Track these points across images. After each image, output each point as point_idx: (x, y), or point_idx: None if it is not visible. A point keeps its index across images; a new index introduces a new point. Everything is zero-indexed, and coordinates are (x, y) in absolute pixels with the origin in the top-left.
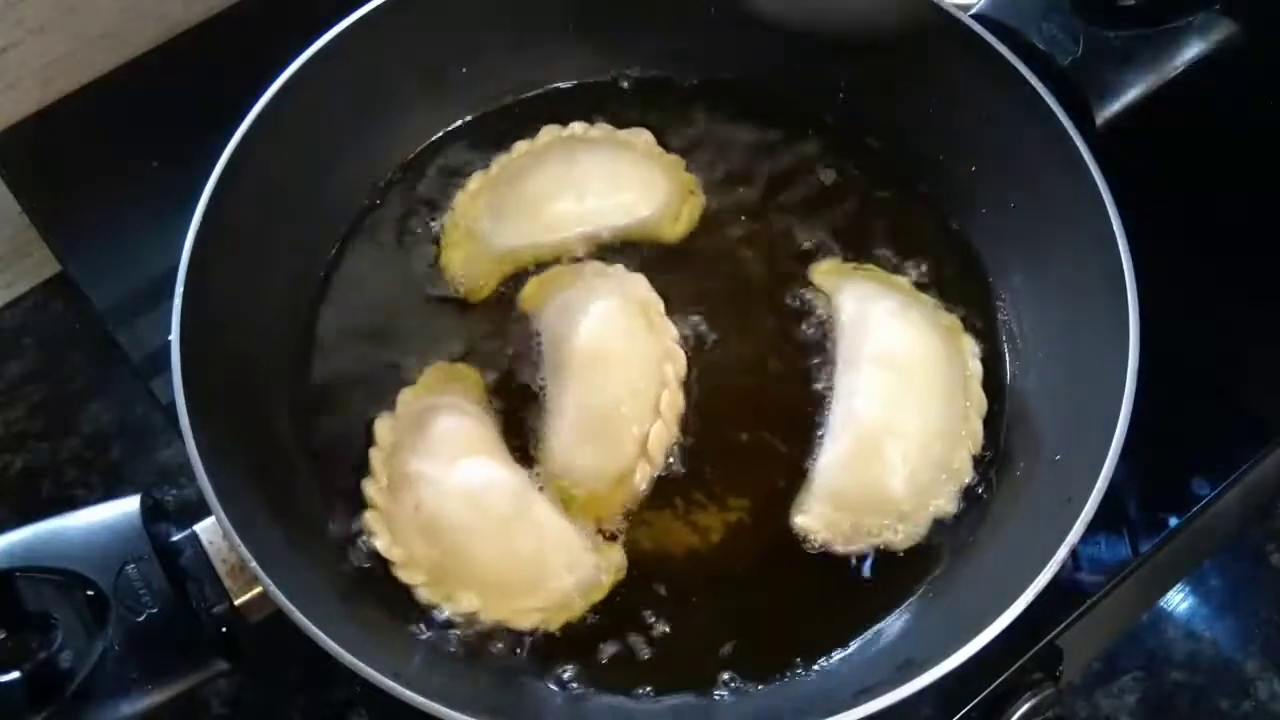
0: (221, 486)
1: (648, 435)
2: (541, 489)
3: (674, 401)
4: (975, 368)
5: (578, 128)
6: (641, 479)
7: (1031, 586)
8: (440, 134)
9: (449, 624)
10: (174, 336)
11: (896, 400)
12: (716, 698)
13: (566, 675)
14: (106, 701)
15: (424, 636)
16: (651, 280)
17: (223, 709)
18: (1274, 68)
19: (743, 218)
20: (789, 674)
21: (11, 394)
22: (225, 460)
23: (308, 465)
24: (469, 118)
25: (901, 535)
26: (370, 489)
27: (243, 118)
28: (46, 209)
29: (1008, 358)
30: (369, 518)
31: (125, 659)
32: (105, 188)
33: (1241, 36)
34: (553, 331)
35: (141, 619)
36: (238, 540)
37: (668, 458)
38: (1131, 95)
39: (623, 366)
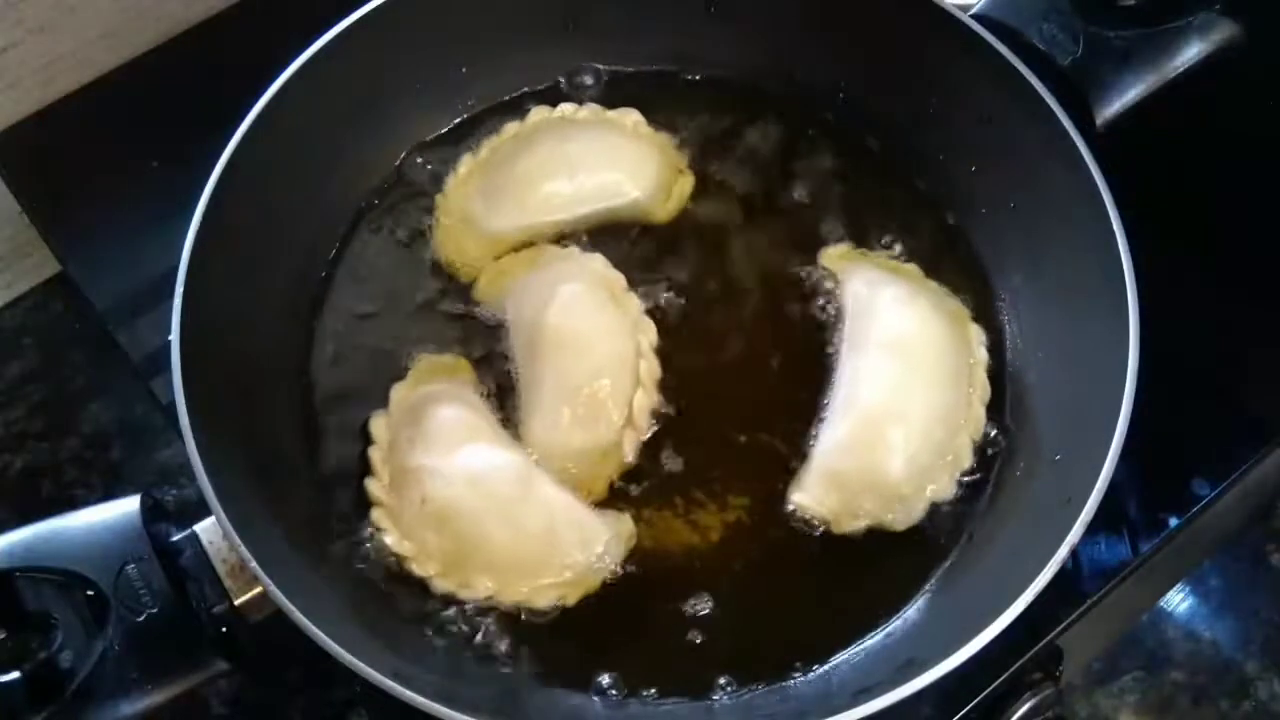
0: (221, 486)
1: (631, 404)
2: (539, 465)
3: (651, 368)
4: (981, 355)
5: (567, 108)
6: (629, 448)
7: (1031, 586)
8: (440, 133)
9: (448, 621)
10: (174, 336)
11: (901, 384)
12: (716, 698)
13: (566, 676)
14: (106, 701)
15: (424, 636)
16: (646, 263)
17: (223, 709)
18: (1274, 68)
19: (739, 211)
20: (789, 674)
21: (11, 394)
22: (225, 460)
23: (308, 465)
24: (469, 116)
25: (898, 517)
26: (374, 487)
27: (243, 118)
28: (46, 209)
29: (1008, 357)
30: (376, 515)
31: (125, 659)
32: (105, 188)
33: (1242, 37)
34: (520, 317)
35: (141, 619)
36: (238, 540)
37: (651, 423)
38: (1131, 95)
39: (596, 342)
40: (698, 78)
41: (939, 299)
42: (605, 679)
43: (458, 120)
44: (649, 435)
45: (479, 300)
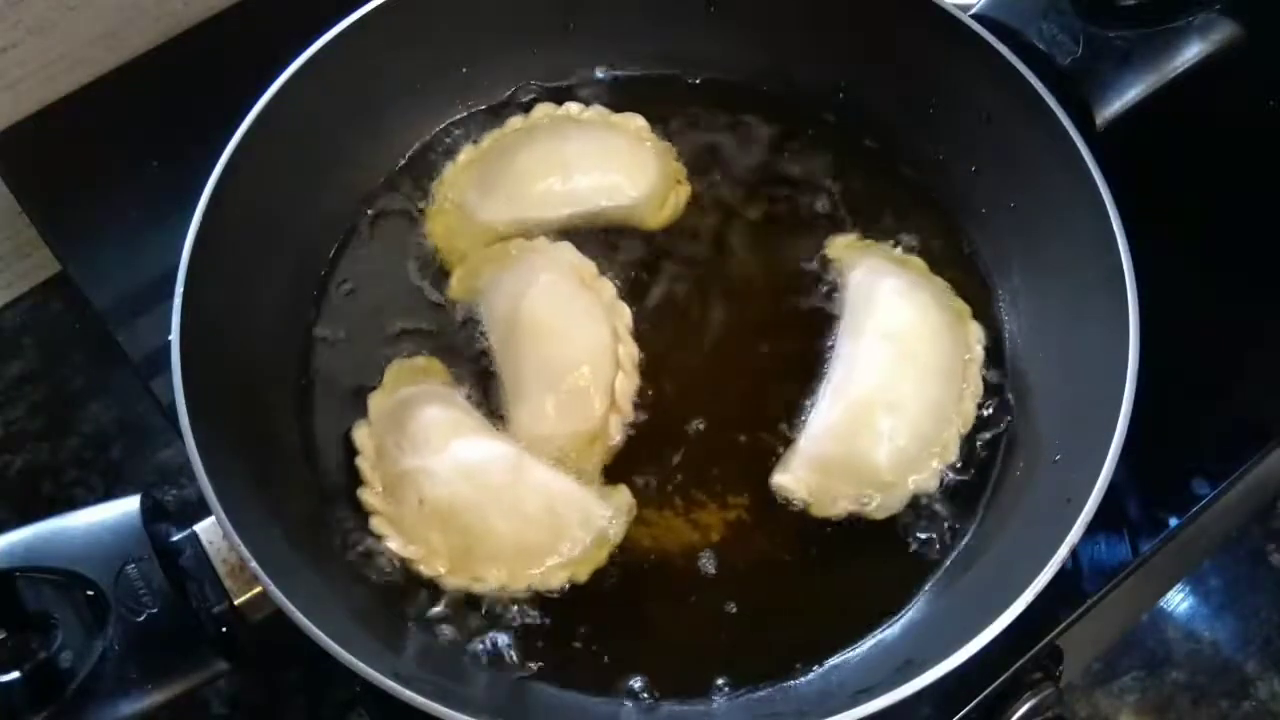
0: (221, 486)
1: (613, 389)
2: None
3: (630, 351)
4: (978, 353)
5: (573, 108)
6: (615, 430)
7: (1031, 586)
8: (440, 133)
9: (448, 619)
10: (174, 336)
11: (893, 374)
12: (715, 698)
13: (567, 676)
14: (106, 701)
15: (425, 636)
16: (639, 258)
17: (223, 709)
18: (1274, 68)
19: (737, 209)
20: (789, 674)
21: (11, 394)
22: (225, 460)
23: (308, 465)
24: (468, 116)
25: (879, 505)
26: (368, 496)
27: (243, 118)
28: (46, 209)
29: (1008, 357)
30: (376, 523)
31: (125, 659)
32: (105, 188)
33: (1242, 37)
34: (495, 313)
35: (141, 619)
36: (238, 540)
37: (634, 405)
38: (1132, 95)
39: (572, 331)
40: (698, 79)
41: (941, 294)
42: (605, 678)
43: (458, 120)
44: (634, 418)
45: (452, 299)
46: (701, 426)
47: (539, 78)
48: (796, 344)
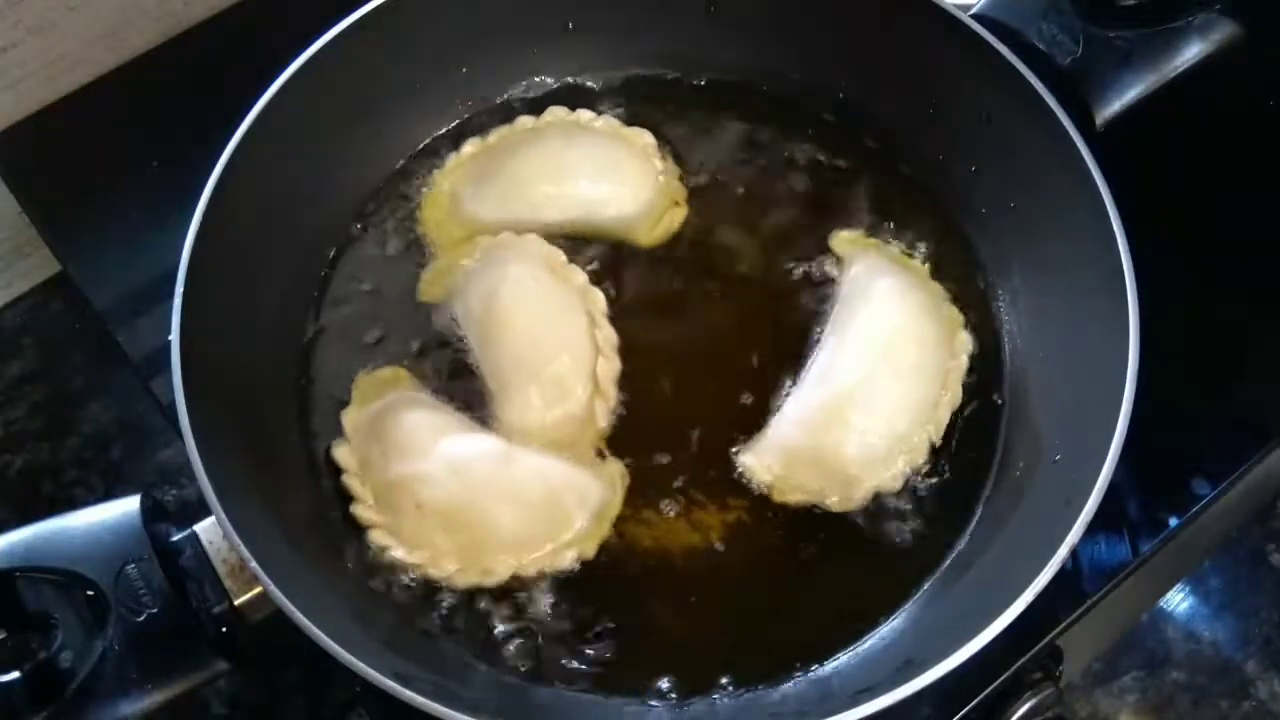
0: (221, 486)
1: (594, 374)
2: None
3: (607, 335)
4: (962, 362)
5: (584, 115)
6: (601, 416)
7: (1031, 586)
8: (440, 132)
9: (447, 618)
10: (174, 336)
11: (873, 371)
12: (716, 698)
13: (567, 676)
14: (106, 701)
15: (425, 635)
16: (627, 253)
17: (223, 709)
18: (1274, 68)
19: (735, 211)
20: (789, 674)
21: (11, 394)
22: (225, 460)
23: (308, 465)
24: (469, 116)
25: (839, 499)
26: (362, 511)
27: (243, 118)
28: (46, 209)
29: (1007, 357)
30: (375, 536)
31: (125, 659)
32: (105, 188)
33: (1242, 37)
34: (470, 311)
35: (141, 619)
36: (238, 540)
37: (618, 389)
38: (1132, 95)
39: (548, 321)
40: (697, 79)
41: (935, 300)
42: (606, 678)
43: (458, 121)
44: (618, 401)
45: (424, 301)
46: (684, 411)
47: (539, 78)
48: (785, 334)
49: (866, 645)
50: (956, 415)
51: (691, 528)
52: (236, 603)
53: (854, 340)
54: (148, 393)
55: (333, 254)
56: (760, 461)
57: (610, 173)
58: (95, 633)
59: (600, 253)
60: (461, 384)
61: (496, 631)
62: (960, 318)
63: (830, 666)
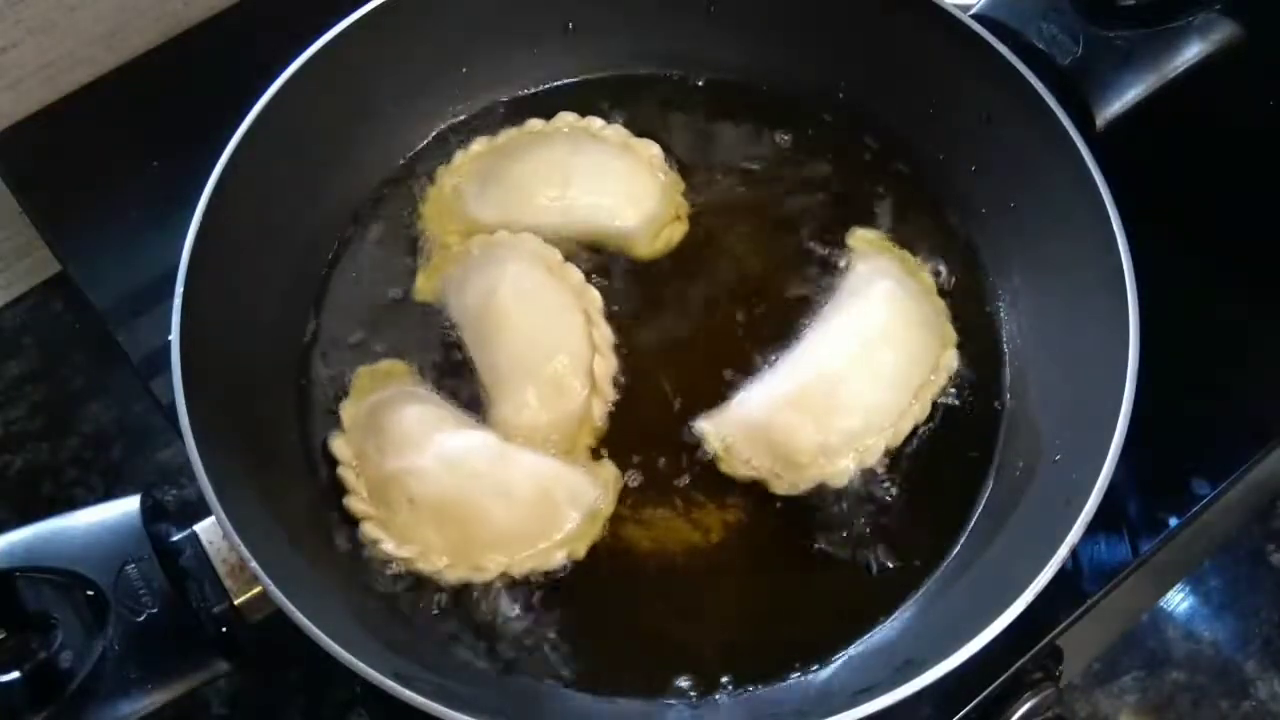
0: (221, 486)
1: (591, 373)
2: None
3: (604, 334)
4: (941, 379)
5: (595, 122)
6: (598, 413)
7: (1031, 586)
8: (440, 132)
9: (447, 617)
10: (174, 336)
11: (845, 368)
12: (716, 698)
13: (566, 676)
14: (106, 701)
15: (425, 634)
16: (634, 276)
17: (223, 709)
18: (1275, 68)
19: (735, 212)
20: (789, 674)
21: (11, 394)
22: (225, 460)
23: (307, 465)
24: (469, 116)
25: (782, 481)
26: (355, 503)
27: (243, 118)
28: (46, 209)
29: (1007, 358)
30: (366, 529)
31: (125, 659)
32: (105, 188)
33: (1242, 37)
34: (466, 310)
35: (141, 619)
36: (238, 540)
37: (615, 386)
38: (1132, 95)
39: (545, 320)
40: (697, 79)
41: (931, 314)
42: (606, 677)
43: (458, 122)
44: (614, 398)
45: (418, 300)
46: (678, 405)
47: (539, 78)
48: (783, 335)
49: (866, 645)
50: (955, 413)
51: (690, 527)
52: (236, 603)
53: (835, 334)
54: (148, 393)
55: (332, 253)
56: (716, 430)
57: (613, 183)
58: (95, 633)
59: (599, 253)
60: (460, 381)
61: (495, 630)
62: (954, 338)
63: (830, 666)
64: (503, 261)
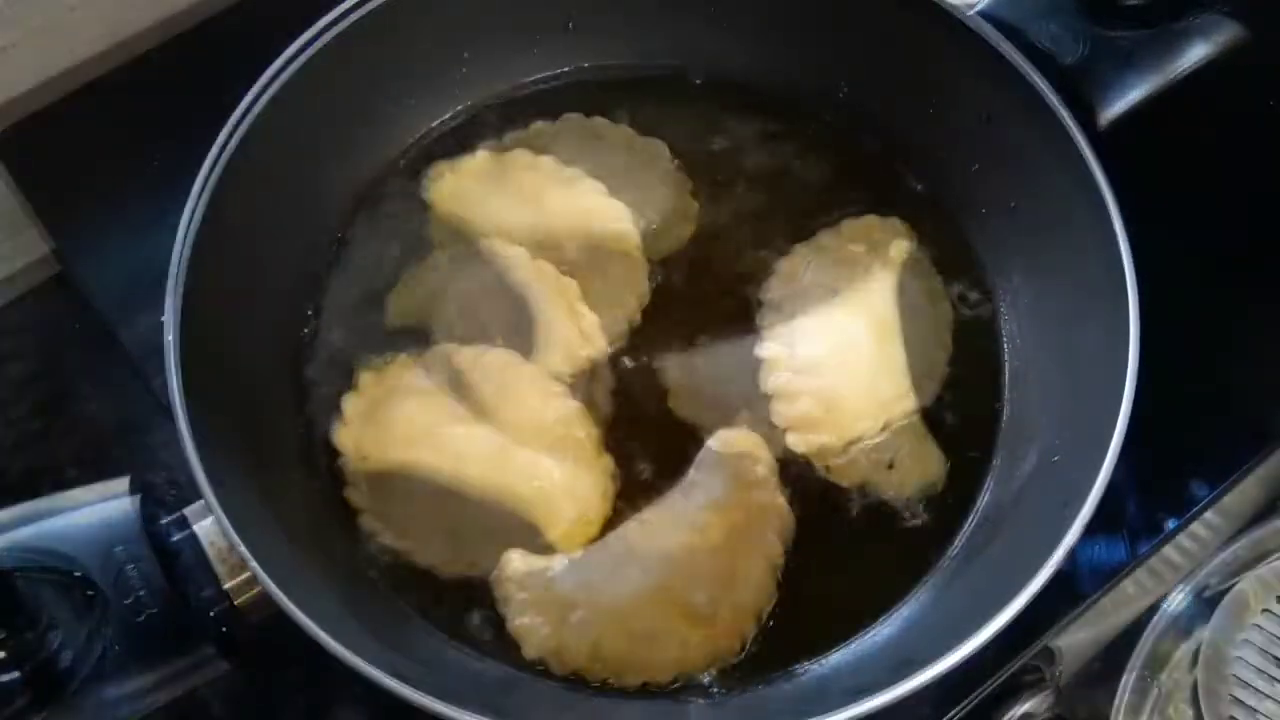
0: (221, 486)
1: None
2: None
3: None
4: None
5: (601, 122)
6: (602, 399)
7: (1030, 587)
8: (441, 131)
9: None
10: (172, 336)
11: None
12: (716, 696)
13: (566, 676)
14: (106, 702)
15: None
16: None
17: (223, 709)
18: (1277, 68)
19: (737, 212)
20: (787, 673)
21: (11, 394)
22: (225, 460)
23: (307, 464)
24: (469, 114)
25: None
26: (354, 496)
27: (243, 118)
28: (47, 208)
29: (1007, 358)
30: (364, 521)
31: (125, 659)
32: (105, 187)
33: (1245, 37)
34: (451, 323)
35: (141, 619)
36: (237, 540)
37: (614, 393)
38: (1135, 95)
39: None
40: (697, 78)
41: (932, 320)
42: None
43: (458, 120)
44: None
45: (398, 319)
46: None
47: (539, 75)
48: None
49: (864, 644)
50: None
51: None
52: (236, 603)
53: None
54: (148, 392)
55: (331, 252)
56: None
57: (621, 186)
58: (95, 633)
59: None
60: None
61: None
62: (951, 349)
63: (828, 665)
64: (476, 266)
